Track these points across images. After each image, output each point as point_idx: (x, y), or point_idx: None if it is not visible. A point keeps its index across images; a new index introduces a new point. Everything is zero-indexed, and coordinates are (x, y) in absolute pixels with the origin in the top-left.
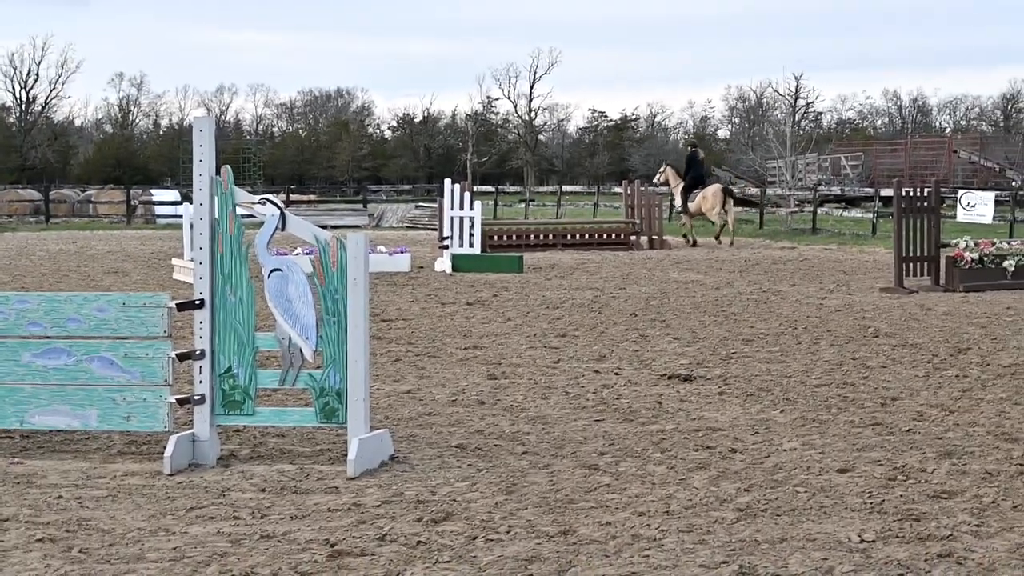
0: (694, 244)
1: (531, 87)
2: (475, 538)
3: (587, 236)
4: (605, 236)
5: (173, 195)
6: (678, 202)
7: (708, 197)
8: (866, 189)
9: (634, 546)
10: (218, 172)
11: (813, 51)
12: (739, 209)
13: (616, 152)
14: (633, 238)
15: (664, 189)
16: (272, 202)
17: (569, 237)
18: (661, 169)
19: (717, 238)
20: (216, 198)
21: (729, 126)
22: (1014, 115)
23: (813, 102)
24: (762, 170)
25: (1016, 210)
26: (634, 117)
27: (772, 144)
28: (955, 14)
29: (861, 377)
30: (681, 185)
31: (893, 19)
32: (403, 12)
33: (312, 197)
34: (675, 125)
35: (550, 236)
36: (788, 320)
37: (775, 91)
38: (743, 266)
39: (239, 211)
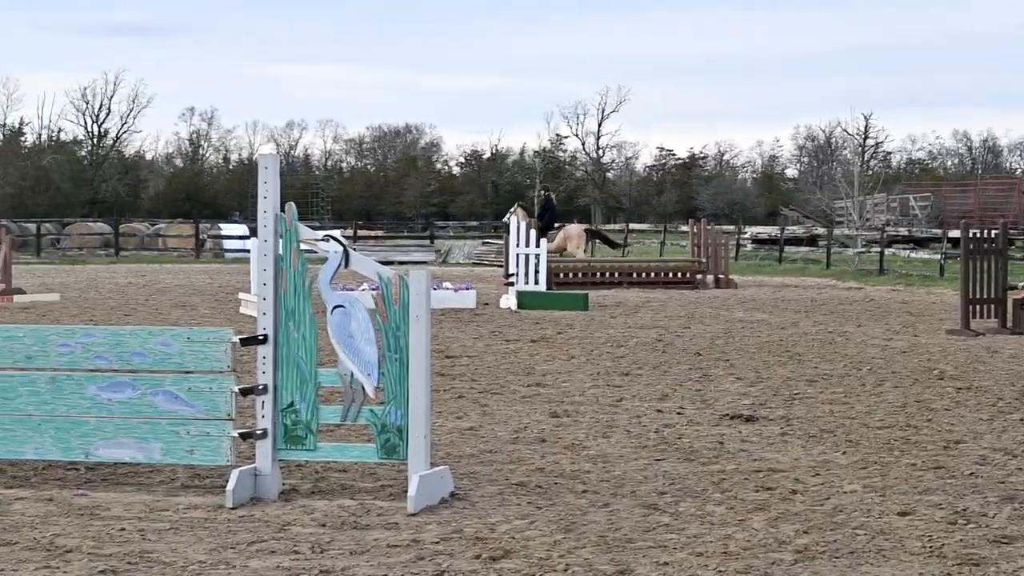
0: None
1: (599, 125)
2: None
3: (653, 274)
4: (671, 274)
5: (241, 230)
6: None
7: (573, 236)
8: (934, 230)
9: None
10: (283, 209)
11: (883, 90)
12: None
13: (683, 190)
14: (699, 277)
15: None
16: (336, 239)
17: (635, 275)
18: (512, 209)
19: None
20: (280, 235)
21: (797, 165)
22: None
23: (882, 142)
24: (830, 210)
25: None
26: (702, 155)
27: (840, 184)
28: None
29: (925, 420)
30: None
31: (965, 59)
32: (471, 48)
33: (380, 233)
34: (743, 164)
35: (616, 274)
36: (853, 361)
37: (844, 131)
38: (809, 306)
39: (303, 247)
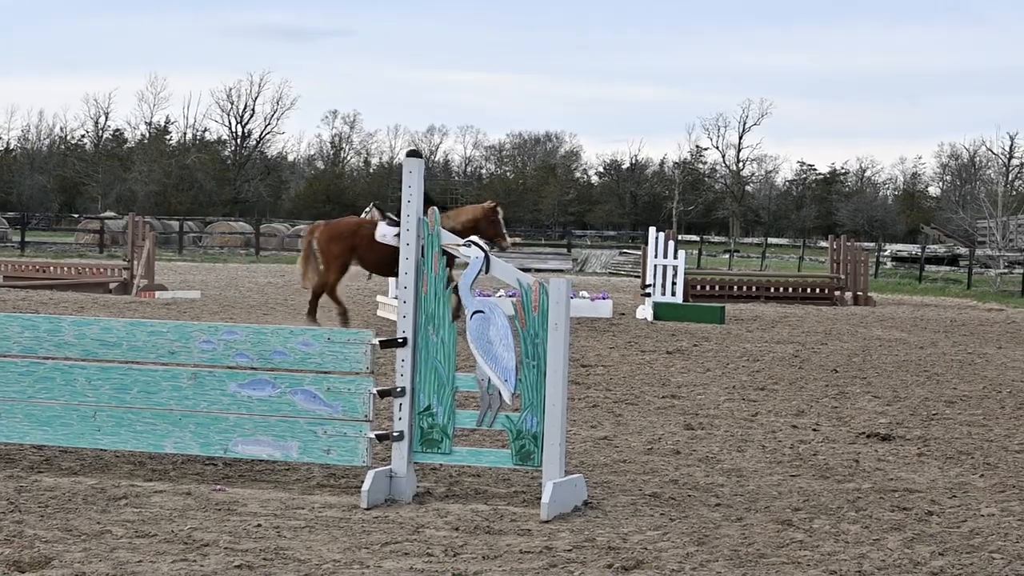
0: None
1: (740, 137)
2: None
3: (791, 289)
4: (809, 290)
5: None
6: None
7: None
8: None
9: None
10: (425, 213)
11: None
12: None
13: (823, 206)
14: (837, 293)
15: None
16: (478, 245)
17: (772, 290)
18: (368, 208)
19: None
20: (422, 239)
21: (940, 184)
22: None
23: None
24: (972, 230)
25: None
26: (843, 171)
27: (983, 204)
28: None
29: None
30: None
31: None
32: (612, 58)
33: (517, 240)
34: (885, 180)
35: (753, 288)
36: (992, 383)
37: (989, 150)
38: (948, 327)
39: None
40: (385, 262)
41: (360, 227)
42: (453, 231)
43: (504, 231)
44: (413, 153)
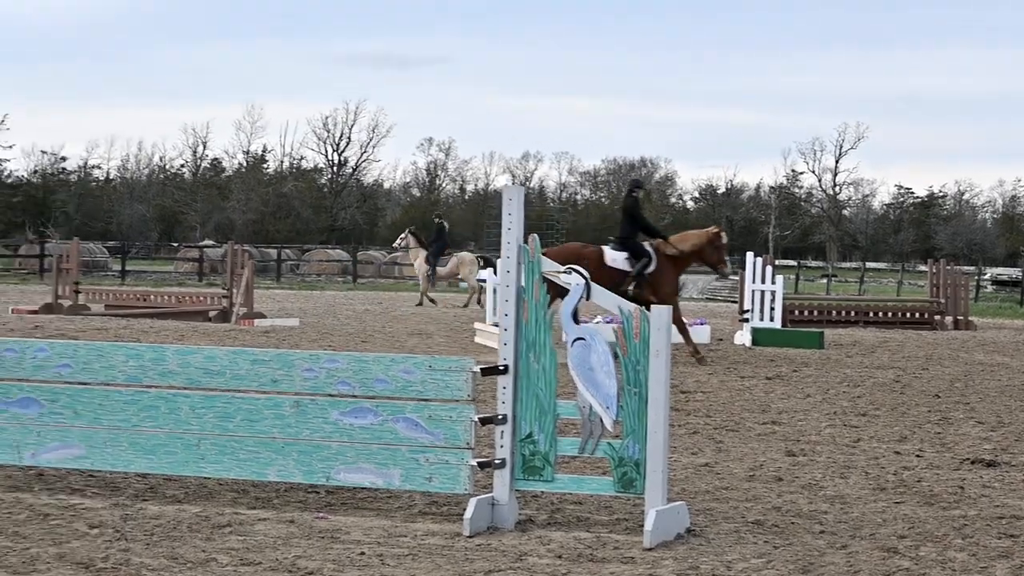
0: (432, 302)
1: (836, 161)
2: None
3: (890, 314)
4: (908, 315)
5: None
6: (418, 265)
7: (466, 263)
8: None
9: None
10: (525, 240)
11: None
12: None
13: (921, 230)
14: (937, 318)
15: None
16: (578, 272)
17: (871, 314)
18: (403, 235)
19: (471, 300)
20: (523, 266)
21: None
22: None
23: None
24: None
25: None
26: (941, 194)
27: None
28: None
29: None
30: (422, 251)
31: None
32: (707, 82)
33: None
34: (984, 203)
35: (852, 313)
36: None
37: None
38: None
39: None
40: (616, 286)
41: (583, 251)
42: (679, 256)
43: (725, 258)
44: (636, 184)
